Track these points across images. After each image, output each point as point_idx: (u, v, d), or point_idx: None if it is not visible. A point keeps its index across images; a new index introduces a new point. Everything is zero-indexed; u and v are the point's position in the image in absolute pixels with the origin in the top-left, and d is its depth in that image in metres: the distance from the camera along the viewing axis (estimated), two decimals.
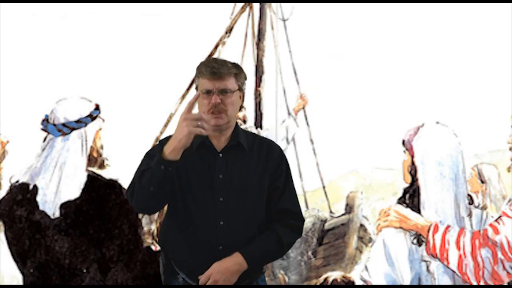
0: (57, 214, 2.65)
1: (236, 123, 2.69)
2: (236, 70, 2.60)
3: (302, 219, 2.70)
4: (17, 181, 2.76)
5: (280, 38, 6.27)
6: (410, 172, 2.63)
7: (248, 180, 2.60)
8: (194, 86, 2.67)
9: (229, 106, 2.56)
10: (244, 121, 6.11)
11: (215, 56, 5.91)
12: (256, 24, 6.29)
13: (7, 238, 2.74)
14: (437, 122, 2.68)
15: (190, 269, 2.59)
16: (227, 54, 5.92)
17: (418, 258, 2.54)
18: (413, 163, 2.61)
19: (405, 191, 2.65)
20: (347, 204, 5.76)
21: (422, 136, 2.62)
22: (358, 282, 2.58)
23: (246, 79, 2.67)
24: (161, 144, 2.62)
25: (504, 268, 2.44)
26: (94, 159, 2.84)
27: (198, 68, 2.60)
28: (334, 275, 3.21)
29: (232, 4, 6.18)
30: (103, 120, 2.89)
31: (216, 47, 6.01)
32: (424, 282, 2.54)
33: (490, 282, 2.45)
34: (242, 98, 2.67)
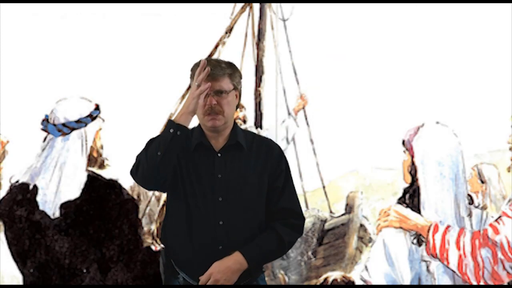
0: (57, 214, 2.65)
1: (235, 122, 2.68)
2: (230, 70, 2.60)
3: (303, 218, 2.70)
4: (17, 181, 2.76)
5: (280, 38, 6.27)
6: (410, 172, 2.63)
7: (247, 180, 2.60)
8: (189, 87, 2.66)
9: (225, 106, 2.56)
10: (244, 121, 6.11)
11: (215, 56, 5.91)
12: (256, 24, 6.29)
13: (7, 238, 2.74)
14: (437, 122, 2.68)
15: (190, 269, 2.59)
16: (227, 54, 5.92)
17: (418, 258, 2.54)
18: (413, 163, 2.61)
19: (405, 191, 2.65)
20: (347, 204, 5.76)
21: (422, 136, 2.62)
22: (358, 282, 2.58)
23: (241, 77, 2.66)
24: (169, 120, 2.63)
25: (504, 268, 2.44)
26: (94, 159, 2.84)
27: (192, 70, 2.59)
28: (334, 275, 3.21)
29: (232, 4, 6.18)
30: (103, 120, 2.89)
31: (216, 47, 6.02)
32: (424, 282, 2.54)
33: (490, 282, 2.45)
34: (238, 97, 2.66)
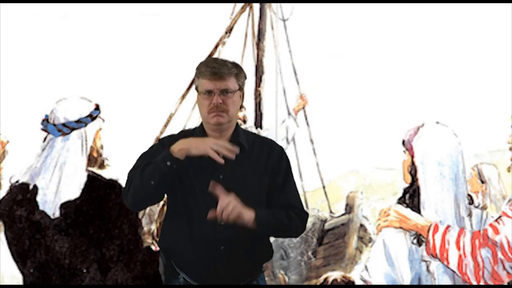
0: (57, 214, 2.65)
1: (237, 123, 2.69)
2: (237, 70, 2.60)
3: (306, 213, 2.69)
4: (17, 181, 2.76)
5: (280, 38, 6.27)
6: (410, 172, 2.62)
7: (248, 180, 2.60)
8: (194, 86, 2.66)
9: (230, 106, 2.56)
10: (244, 121, 6.11)
11: (215, 56, 5.91)
12: (256, 24, 6.29)
13: (7, 238, 2.74)
14: (437, 122, 2.68)
15: (191, 269, 2.59)
16: (227, 54, 5.92)
17: (418, 258, 2.54)
18: (413, 163, 2.61)
19: (405, 191, 2.65)
20: (347, 204, 5.76)
21: (422, 136, 2.62)
22: (358, 282, 2.58)
23: (246, 78, 2.67)
24: (160, 143, 2.63)
25: (504, 268, 2.44)
26: (94, 159, 2.84)
27: (198, 68, 2.59)
28: (334, 275, 3.21)
29: (232, 4, 6.18)
30: (103, 120, 2.89)
31: (216, 47, 6.02)
32: (424, 282, 2.54)
33: (490, 282, 2.45)
34: (242, 97, 2.67)
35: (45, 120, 2.80)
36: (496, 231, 2.45)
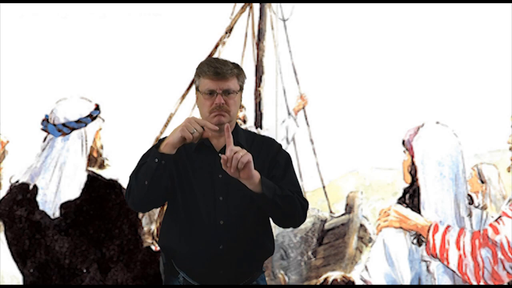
0: (57, 214, 2.65)
1: (236, 123, 2.69)
2: (238, 71, 2.60)
3: (307, 201, 2.60)
4: (17, 181, 2.76)
5: (280, 38, 6.27)
6: (410, 172, 2.63)
7: None
8: (194, 86, 2.66)
9: (232, 106, 2.56)
10: (244, 121, 6.11)
11: (215, 56, 5.91)
12: (256, 24, 6.29)
13: (7, 238, 2.74)
14: (437, 122, 2.68)
15: (191, 269, 2.59)
16: (227, 54, 5.92)
17: (418, 258, 2.54)
18: (413, 163, 2.61)
19: (405, 191, 2.65)
20: (347, 204, 5.76)
21: (422, 136, 2.62)
22: (358, 282, 2.58)
23: (246, 78, 2.67)
24: (159, 143, 2.63)
25: (504, 268, 2.44)
26: (94, 159, 2.84)
27: (199, 68, 2.59)
28: (334, 275, 3.21)
29: (232, 4, 6.18)
30: (103, 120, 2.89)
31: (216, 47, 6.02)
32: (424, 282, 2.54)
33: (490, 282, 2.45)
34: (241, 98, 2.67)
35: (45, 120, 2.80)
36: (496, 231, 2.45)
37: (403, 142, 2.66)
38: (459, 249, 2.46)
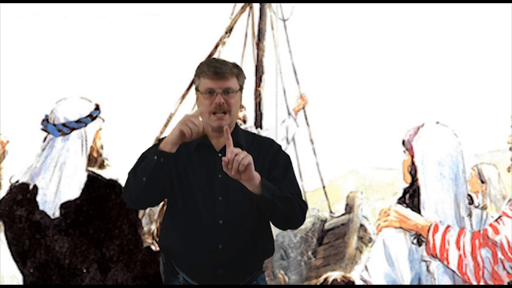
0: (57, 214, 2.65)
1: (236, 123, 2.69)
2: (237, 70, 2.61)
3: (306, 204, 2.61)
4: (17, 181, 2.76)
5: (280, 38, 6.27)
6: (410, 172, 2.63)
7: None
8: (194, 86, 2.66)
9: (232, 106, 2.56)
10: (244, 121, 6.11)
11: (215, 56, 5.91)
12: (256, 24, 6.29)
13: (7, 238, 2.74)
14: (437, 122, 2.68)
15: (190, 269, 2.59)
16: (227, 54, 5.92)
17: (418, 258, 2.54)
18: (413, 163, 2.61)
19: (405, 191, 2.65)
20: (347, 204, 5.76)
21: (422, 136, 2.62)
22: (358, 282, 2.58)
23: (245, 79, 2.67)
24: (159, 142, 2.63)
25: (504, 268, 2.44)
26: (94, 159, 2.84)
27: (199, 68, 2.59)
28: (334, 275, 3.21)
29: (232, 4, 6.18)
30: (103, 120, 2.89)
31: (216, 47, 6.02)
32: (424, 282, 2.54)
33: (490, 282, 2.45)
34: (241, 98, 2.67)
35: (45, 120, 2.80)
36: (496, 231, 2.45)
37: (403, 142, 2.66)
38: (459, 249, 2.46)
